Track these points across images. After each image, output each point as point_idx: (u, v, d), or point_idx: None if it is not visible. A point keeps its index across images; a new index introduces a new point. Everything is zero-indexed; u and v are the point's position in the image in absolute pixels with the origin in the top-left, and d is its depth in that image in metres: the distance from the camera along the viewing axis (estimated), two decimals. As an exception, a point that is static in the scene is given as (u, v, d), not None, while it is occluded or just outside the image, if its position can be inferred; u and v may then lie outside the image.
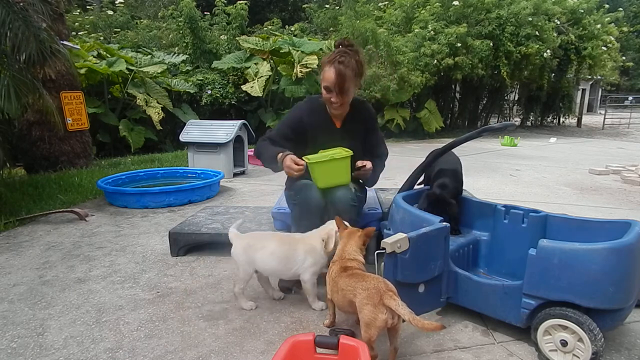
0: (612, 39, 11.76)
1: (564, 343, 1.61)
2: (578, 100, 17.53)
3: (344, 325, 1.90)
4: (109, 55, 7.99)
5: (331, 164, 2.15)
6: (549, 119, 15.37)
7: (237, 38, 10.31)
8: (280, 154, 2.22)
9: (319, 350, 1.51)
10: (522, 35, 10.19)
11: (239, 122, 5.48)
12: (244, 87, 9.08)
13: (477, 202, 2.39)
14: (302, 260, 2.02)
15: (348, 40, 2.32)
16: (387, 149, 2.56)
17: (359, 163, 2.29)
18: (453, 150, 2.50)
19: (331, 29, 12.30)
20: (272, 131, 2.46)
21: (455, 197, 2.38)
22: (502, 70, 10.24)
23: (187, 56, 10.15)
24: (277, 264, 2.04)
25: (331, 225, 2.05)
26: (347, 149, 2.24)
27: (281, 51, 9.12)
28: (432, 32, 9.96)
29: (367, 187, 2.59)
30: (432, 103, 10.49)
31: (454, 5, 10.22)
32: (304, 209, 2.25)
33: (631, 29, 18.64)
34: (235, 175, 5.46)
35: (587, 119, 17.35)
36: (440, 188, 2.34)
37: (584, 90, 22.77)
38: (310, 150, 2.30)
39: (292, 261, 2.03)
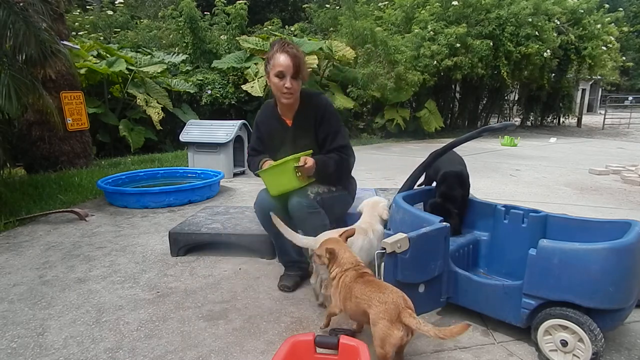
0: (612, 39, 11.77)
1: (564, 343, 1.61)
2: (578, 100, 17.53)
3: (344, 326, 1.90)
4: (109, 55, 7.99)
5: (273, 170, 2.16)
6: (549, 119, 15.39)
7: (237, 38, 10.30)
8: (261, 162, 2.31)
9: (319, 350, 1.51)
10: (522, 35, 10.20)
11: (239, 122, 5.48)
12: (244, 87, 9.08)
13: (477, 202, 2.39)
14: (376, 246, 2.09)
15: (285, 39, 2.34)
16: (347, 141, 2.39)
17: (301, 161, 2.16)
18: (455, 150, 2.51)
19: (331, 29, 12.30)
20: (250, 144, 2.53)
21: (461, 202, 2.36)
22: (502, 70, 10.25)
23: (187, 56, 10.14)
24: (367, 257, 2.07)
25: (373, 201, 2.22)
26: (306, 152, 2.24)
27: (281, 51, 9.11)
28: (431, 32, 9.96)
29: (350, 184, 2.54)
30: (432, 103, 10.50)
31: (453, 5, 10.23)
32: (261, 217, 2.30)
33: (631, 29, 18.64)
34: (235, 175, 5.46)
35: (587, 119, 17.36)
36: (443, 198, 2.32)
37: (584, 90, 22.76)
38: (270, 156, 2.35)
39: (374, 249, 2.04)
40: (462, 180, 2.41)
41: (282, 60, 2.19)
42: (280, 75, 2.21)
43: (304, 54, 2.35)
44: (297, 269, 2.38)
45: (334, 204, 2.36)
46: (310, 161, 2.18)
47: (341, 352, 1.49)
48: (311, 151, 2.27)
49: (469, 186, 2.48)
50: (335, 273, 1.74)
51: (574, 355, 1.61)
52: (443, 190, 2.36)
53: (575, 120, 15.68)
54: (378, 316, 1.50)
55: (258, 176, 2.31)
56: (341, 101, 9.29)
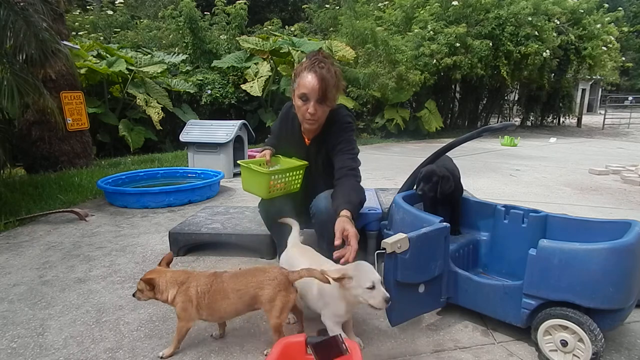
0: (612, 39, 11.77)
1: (564, 343, 1.61)
2: (578, 100, 17.55)
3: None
4: (109, 55, 7.99)
5: (248, 172, 2.15)
6: (549, 119, 15.40)
7: (237, 38, 10.32)
8: (263, 149, 2.27)
9: (310, 351, 1.50)
10: (521, 35, 10.20)
11: (239, 122, 5.48)
12: (243, 87, 9.10)
13: (477, 202, 2.39)
14: (315, 297, 1.70)
15: (323, 52, 2.10)
16: (358, 162, 2.12)
17: (342, 254, 1.68)
18: (451, 157, 2.51)
19: (331, 29, 12.31)
20: (271, 128, 2.49)
21: (452, 192, 2.36)
22: (502, 70, 10.26)
23: (187, 56, 10.15)
24: (300, 290, 1.74)
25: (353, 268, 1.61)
26: (301, 161, 2.15)
27: (281, 51, 9.12)
28: (431, 32, 9.97)
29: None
30: (432, 103, 10.50)
31: (453, 5, 10.24)
32: (267, 221, 2.29)
33: (631, 29, 18.67)
34: (235, 175, 5.45)
35: (587, 119, 17.36)
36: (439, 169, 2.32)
37: (584, 90, 22.78)
38: (286, 155, 2.28)
39: (308, 293, 1.73)
40: (455, 176, 2.38)
41: (307, 81, 1.94)
42: (304, 98, 1.97)
43: (335, 71, 2.03)
44: None
45: None
46: (353, 251, 1.67)
47: None
48: (306, 163, 2.15)
49: (461, 191, 2.44)
50: (172, 294, 1.69)
51: (574, 355, 1.61)
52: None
53: (575, 120, 15.69)
54: (275, 291, 1.63)
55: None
56: (341, 101, 9.28)
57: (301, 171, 2.17)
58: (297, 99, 2.03)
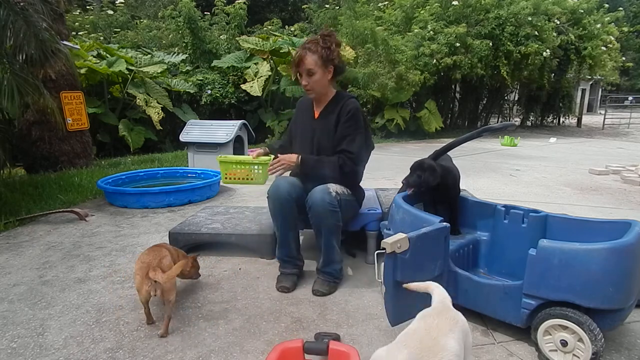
0: (612, 39, 11.76)
1: (564, 343, 1.61)
2: (578, 100, 17.54)
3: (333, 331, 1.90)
4: (109, 55, 7.98)
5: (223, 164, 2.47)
6: (549, 119, 15.38)
7: (237, 38, 10.31)
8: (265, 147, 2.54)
9: (307, 356, 1.49)
10: (521, 35, 10.20)
11: (239, 122, 5.48)
12: (243, 87, 9.09)
13: (477, 202, 2.39)
14: None
15: (328, 31, 2.41)
16: (356, 149, 2.32)
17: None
18: (451, 157, 2.51)
19: (331, 28, 12.27)
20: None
21: (449, 193, 2.37)
22: (502, 70, 10.25)
23: (187, 56, 10.14)
24: None
25: None
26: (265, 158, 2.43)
27: (281, 51, 9.11)
28: (431, 32, 9.97)
29: (358, 192, 2.53)
30: (432, 103, 10.50)
31: (453, 5, 10.24)
32: (273, 204, 2.32)
33: (631, 29, 18.64)
34: (235, 175, 5.45)
35: (587, 119, 17.36)
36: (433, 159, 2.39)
37: (584, 90, 22.76)
38: (294, 143, 2.52)
39: None
40: (452, 173, 2.40)
41: (295, 61, 2.33)
42: (298, 75, 2.36)
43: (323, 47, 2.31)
44: (293, 267, 2.38)
45: (346, 207, 2.34)
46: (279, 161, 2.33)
47: (331, 357, 1.47)
48: (270, 158, 2.42)
49: (459, 191, 2.45)
50: None
51: (573, 355, 1.61)
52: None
53: (575, 120, 15.68)
54: (135, 272, 1.90)
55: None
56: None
57: (263, 167, 2.42)
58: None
